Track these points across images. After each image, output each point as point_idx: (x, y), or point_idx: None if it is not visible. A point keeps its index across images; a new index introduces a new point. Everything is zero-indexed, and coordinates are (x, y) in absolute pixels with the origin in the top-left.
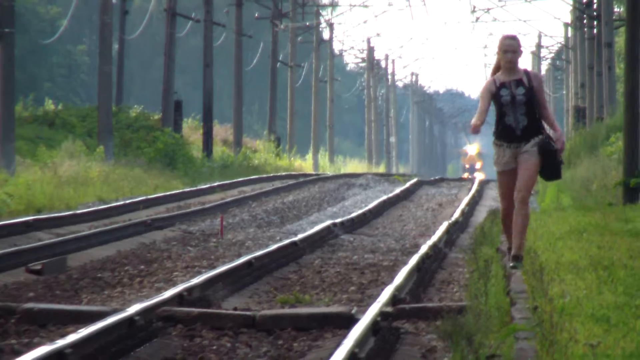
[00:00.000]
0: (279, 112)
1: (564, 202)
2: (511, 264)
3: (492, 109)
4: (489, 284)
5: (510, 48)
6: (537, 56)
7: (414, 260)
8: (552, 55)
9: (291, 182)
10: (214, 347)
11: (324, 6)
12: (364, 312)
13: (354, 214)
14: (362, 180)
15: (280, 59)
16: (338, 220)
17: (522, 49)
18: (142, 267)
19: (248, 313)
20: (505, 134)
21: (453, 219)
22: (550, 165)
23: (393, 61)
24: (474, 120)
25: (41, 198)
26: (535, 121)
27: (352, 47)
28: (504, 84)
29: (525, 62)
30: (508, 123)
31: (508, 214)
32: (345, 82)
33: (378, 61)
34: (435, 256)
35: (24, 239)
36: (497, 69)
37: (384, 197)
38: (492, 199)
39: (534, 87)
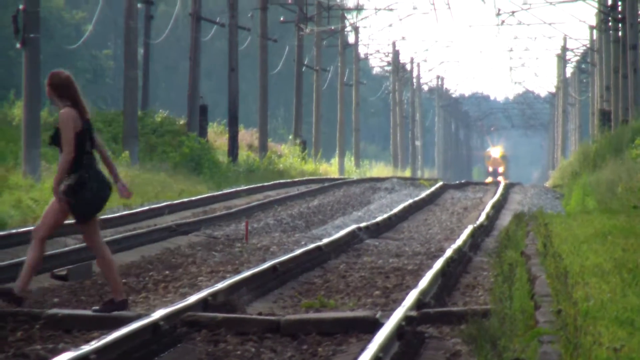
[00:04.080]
0: (305, 116)
1: (589, 205)
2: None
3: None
4: (513, 287)
5: None
6: (562, 59)
7: (438, 264)
8: (578, 58)
9: (316, 186)
10: (239, 352)
11: (349, 10)
12: (388, 316)
13: (379, 218)
14: (387, 184)
15: (305, 62)
16: (363, 224)
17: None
18: (167, 272)
19: (272, 318)
20: None
21: (478, 222)
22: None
23: (418, 64)
24: None
25: None
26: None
27: (378, 51)
28: None
29: (550, 65)
30: None
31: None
32: (370, 85)
33: (403, 65)
34: (460, 260)
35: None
36: None
37: (410, 201)
38: (517, 203)
39: (58, 128)
